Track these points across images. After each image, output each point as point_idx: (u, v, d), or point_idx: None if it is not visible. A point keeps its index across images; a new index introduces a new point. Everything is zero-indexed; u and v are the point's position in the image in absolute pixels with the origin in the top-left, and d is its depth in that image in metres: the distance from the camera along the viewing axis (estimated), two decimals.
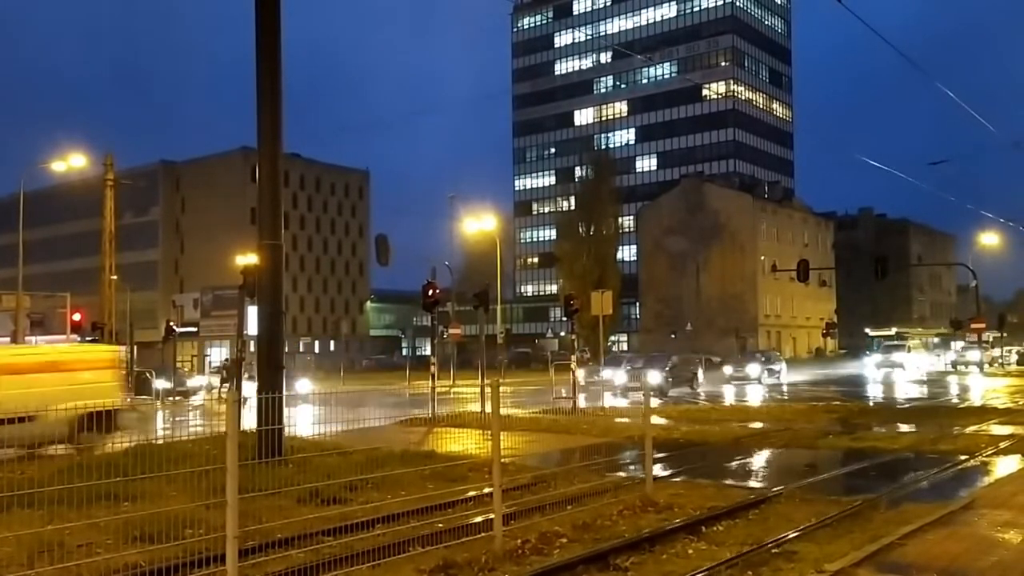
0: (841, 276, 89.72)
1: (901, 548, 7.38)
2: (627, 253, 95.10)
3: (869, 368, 52.73)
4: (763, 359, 43.98)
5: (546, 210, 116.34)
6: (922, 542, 7.59)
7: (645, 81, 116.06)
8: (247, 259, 24.08)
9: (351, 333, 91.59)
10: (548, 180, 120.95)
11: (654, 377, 32.01)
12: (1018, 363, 61.75)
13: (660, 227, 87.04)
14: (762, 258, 79.98)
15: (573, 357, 26.03)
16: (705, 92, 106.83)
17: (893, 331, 65.36)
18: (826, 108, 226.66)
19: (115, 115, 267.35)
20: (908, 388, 36.37)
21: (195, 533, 7.19)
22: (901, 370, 50.12)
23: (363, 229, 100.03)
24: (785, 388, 36.77)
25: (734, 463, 14.34)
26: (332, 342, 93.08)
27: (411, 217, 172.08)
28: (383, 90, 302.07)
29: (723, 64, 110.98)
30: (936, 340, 68.27)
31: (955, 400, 29.06)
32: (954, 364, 55.08)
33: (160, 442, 14.37)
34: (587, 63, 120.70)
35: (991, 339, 63.42)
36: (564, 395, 25.07)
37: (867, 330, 69.58)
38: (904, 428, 18.57)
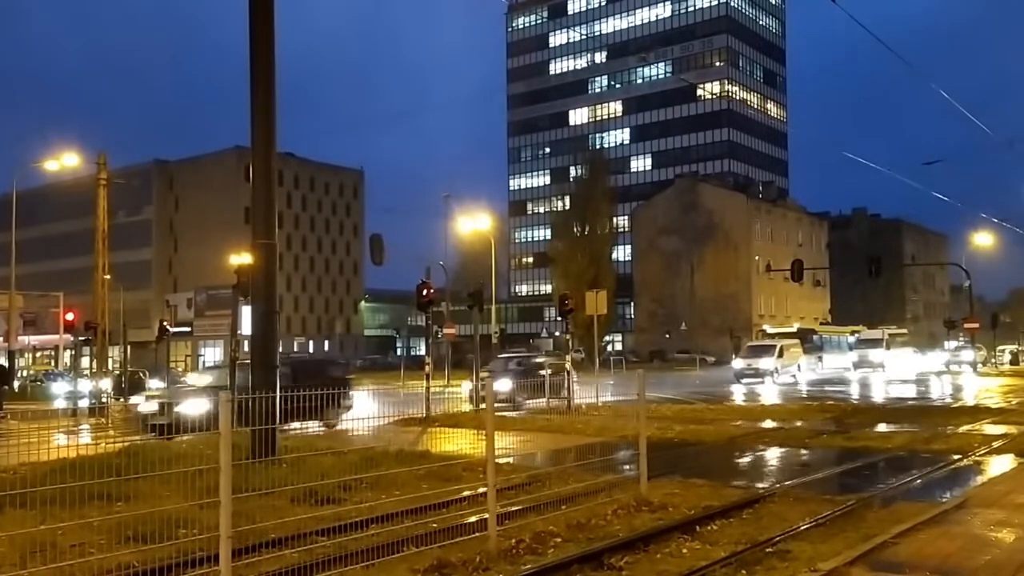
0: (835, 276, 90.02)
1: (894, 547, 7.39)
2: (622, 253, 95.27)
3: (742, 376, 41.41)
4: (520, 368, 28.14)
5: (541, 210, 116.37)
6: (915, 541, 7.61)
7: (640, 81, 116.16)
8: (241, 258, 24.01)
9: (345, 332, 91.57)
10: (543, 180, 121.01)
11: (768, 363, 39.97)
12: (1011, 363, 62.01)
13: (654, 227, 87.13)
14: (756, 258, 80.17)
15: (568, 357, 26.02)
16: (699, 92, 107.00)
17: (795, 327, 55.89)
18: (820, 108, 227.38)
19: (108, 114, 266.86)
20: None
21: (188, 533, 7.17)
22: (767, 381, 40.08)
23: (357, 228, 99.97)
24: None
25: (728, 462, 14.37)
26: (326, 342, 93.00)
27: (405, 216, 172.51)
28: (377, 89, 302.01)
29: (717, 64, 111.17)
30: (851, 339, 57.51)
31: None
32: (947, 364, 55.09)
33: (153, 442, 14.34)
34: (582, 63, 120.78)
35: (884, 337, 54.86)
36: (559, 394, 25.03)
37: (765, 327, 58.15)
38: (898, 428, 18.61)
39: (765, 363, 41.63)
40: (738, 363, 42.97)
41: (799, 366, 45.07)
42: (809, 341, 54.99)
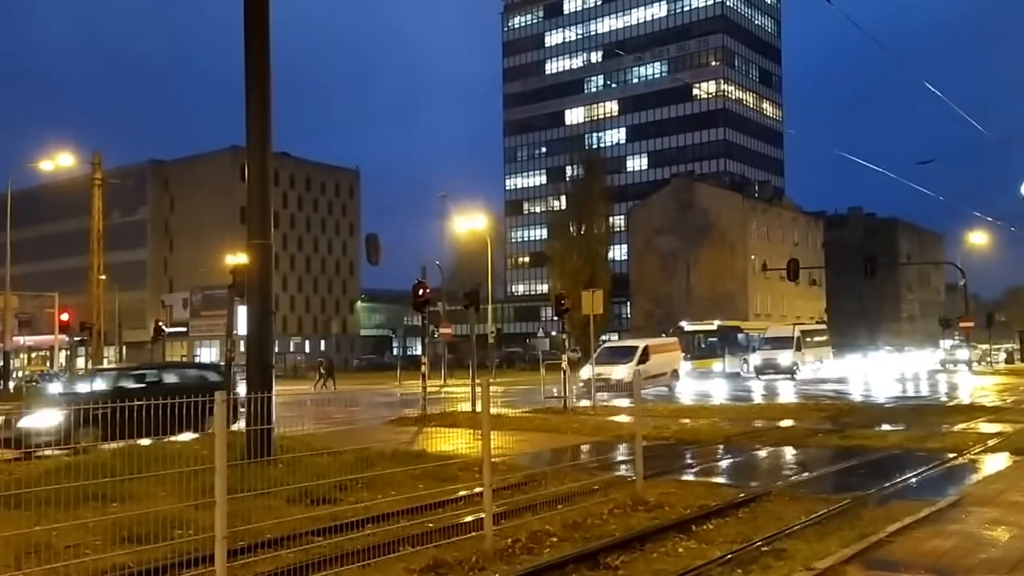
0: (831, 275, 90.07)
1: (889, 545, 7.41)
2: (618, 252, 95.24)
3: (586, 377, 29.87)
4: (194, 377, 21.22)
5: (537, 209, 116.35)
6: (910, 539, 7.63)
7: (636, 80, 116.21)
8: (236, 258, 24.02)
9: (341, 332, 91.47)
10: (539, 179, 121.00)
11: (623, 372, 30.95)
12: (1006, 361, 62.16)
13: (651, 226, 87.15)
14: (752, 257, 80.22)
15: (564, 356, 26.02)
16: (695, 92, 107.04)
17: (715, 325, 48.23)
18: (816, 107, 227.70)
19: (104, 113, 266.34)
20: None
21: (184, 534, 7.16)
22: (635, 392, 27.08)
23: (353, 228, 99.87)
24: None
25: (724, 461, 14.39)
26: (323, 342, 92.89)
27: (401, 216, 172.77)
28: (373, 89, 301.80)
29: (713, 64, 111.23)
30: (757, 336, 48.62)
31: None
32: (943, 363, 55.13)
33: (149, 442, 14.30)
34: (578, 62, 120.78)
35: (795, 335, 44.99)
36: (555, 394, 25.07)
37: (683, 323, 50.24)
38: (893, 427, 18.64)
39: (620, 372, 30.72)
40: (587, 371, 29.76)
41: (676, 373, 35.34)
42: (732, 340, 47.81)
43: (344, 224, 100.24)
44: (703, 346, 46.78)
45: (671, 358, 35.55)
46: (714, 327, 48.15)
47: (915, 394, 31.21)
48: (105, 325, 39.17)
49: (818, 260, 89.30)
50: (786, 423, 19.73)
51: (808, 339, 46.75)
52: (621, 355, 32.83)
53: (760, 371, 43.20)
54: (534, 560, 7.24)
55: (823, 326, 54.11)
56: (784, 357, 43.09)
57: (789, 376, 41.86)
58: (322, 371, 44.97)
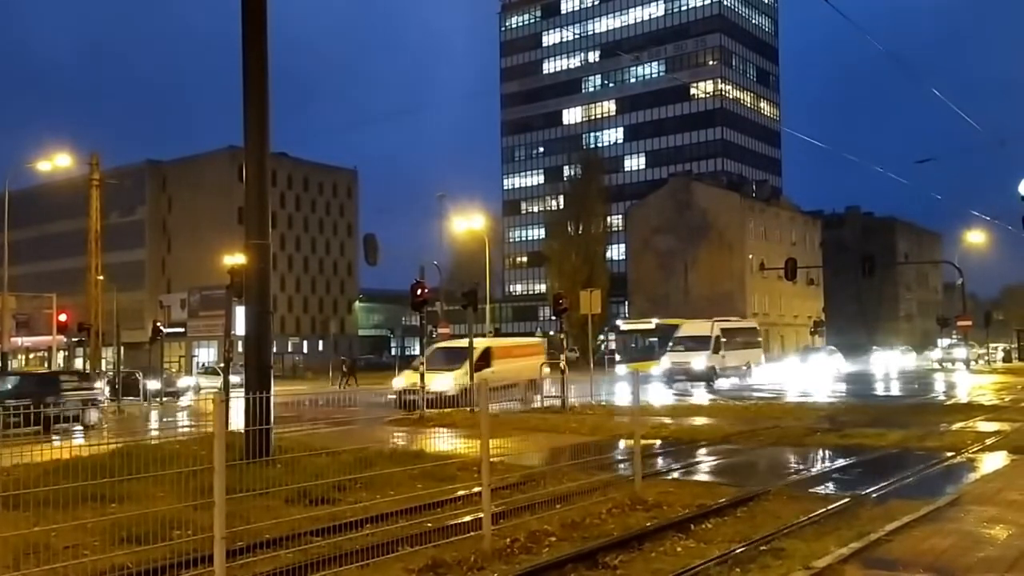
0: (829, 274, 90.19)
1: (888, 544, 7.42)
2: (616, 252, 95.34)
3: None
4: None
5: (535, 209, 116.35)
6: (908, 538, 7.64)
7: (633, 80, 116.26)
8: (235, 259, 24.01)
9: (340, 333, 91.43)
10: (537, 179, 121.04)
11: (446, 382, 24.13)
12: (1004, 360, 62.26)
13: (648, 226, 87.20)
14: (750, 257, 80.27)
15: (562, 356, 26.02)
16: (693, 91, 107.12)
17: (653, 323, 43.70)
18: (813, 107, 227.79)
19: (101, 113, 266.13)
20: None
21: (183, 534, 7.15)
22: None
23: (351, 228, 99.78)
24: None
25: (723, 460, 14.39)
26: (320, 342, 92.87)
27: (399, 216, 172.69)
28: (371, 89, 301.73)
29: (711, 63, 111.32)
30: (691, 335, 38.72)
31: None
32: (940, 362, 55.23)
33: (148, 443, 14.32)
34: (575, 62, 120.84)
35: (714, 335, 37.54)
36: (553, 394, 25.08)
37: (618, 322, 46.25)
38: (891, 425, 18.65)
39: (443, 382, 23.84)
40: (400, 381, 25.65)
41: (535, 383, 27.23)
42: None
43: (342, 224, 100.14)
44: (640, 347, 42.64)
45: (528, 365, 27.58)
46: (652, 326, 43.88)
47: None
48: (103, 326, 39.12)
49: (816, 260, 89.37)
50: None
51: (731, 339, 38.95)
52: (454, 359, 25.07)
53: (670, 377, 35.97)
54: (533, 560, 7.25)
55: (752, 324, 46.44)
56: (698, 361, 35.86)
57: (705, 384, 35.46)
58: (344, 369, 46.98)
